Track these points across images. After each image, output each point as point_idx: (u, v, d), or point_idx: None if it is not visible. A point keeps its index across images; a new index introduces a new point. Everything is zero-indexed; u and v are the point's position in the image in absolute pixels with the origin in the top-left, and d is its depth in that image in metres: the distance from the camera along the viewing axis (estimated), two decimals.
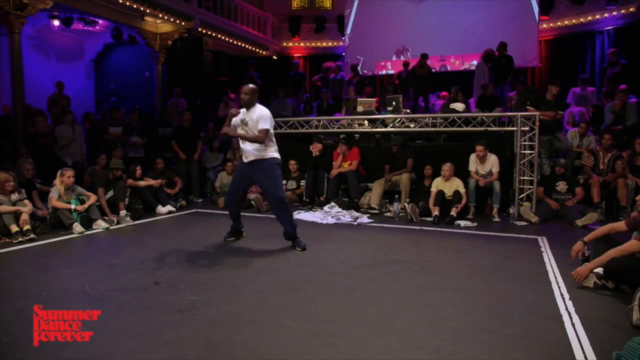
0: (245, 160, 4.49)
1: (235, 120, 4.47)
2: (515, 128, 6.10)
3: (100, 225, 5.32)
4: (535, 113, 6.10)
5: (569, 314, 2.76)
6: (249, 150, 4.40)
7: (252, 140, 4.33)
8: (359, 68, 12.67)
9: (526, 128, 6.04)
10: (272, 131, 4.44)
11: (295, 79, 11.82)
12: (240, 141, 4.50)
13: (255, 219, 6.19)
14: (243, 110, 4.48)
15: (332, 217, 6.03)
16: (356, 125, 7.20)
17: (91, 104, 12.84)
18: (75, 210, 5.22)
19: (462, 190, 5.96)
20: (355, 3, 13.16)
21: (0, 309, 2.79)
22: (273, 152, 4.43)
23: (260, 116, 4.33)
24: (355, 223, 5.79)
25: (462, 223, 5.63)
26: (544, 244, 4.62)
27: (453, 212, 5.76)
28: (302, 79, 11.93)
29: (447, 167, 6.06)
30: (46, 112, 8.75)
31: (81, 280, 3.35)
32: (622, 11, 10.53)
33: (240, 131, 4.40)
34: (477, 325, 2.60)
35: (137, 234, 5.29)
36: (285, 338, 2.44)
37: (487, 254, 4.28)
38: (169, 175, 7.12)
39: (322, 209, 6.50)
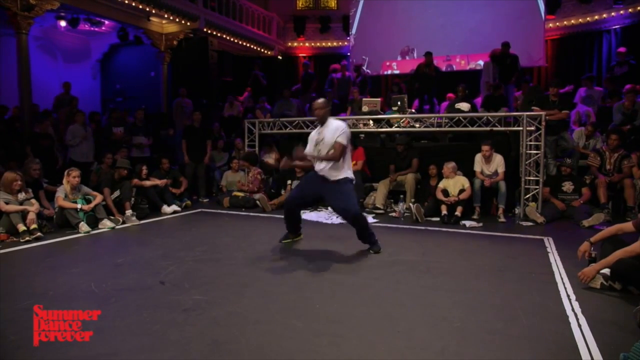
0: (318, 172, 4.20)
1: (310, 142, 4.23)
2: (521, 128, 6.07)
3: (106, 224, 5.35)
4: (541, 113, 6.08)
5: (576, 315, 2.74)
6: (322, 170, 4.14)
7: (327, 159, 4.06)
8: (364, 68, 12.65)
9: (532, 128, 6.02)
10: (348, 149, 4.12)
11: (305, 80, 11.82)
12: (315, 162, 4.20)
13: (261, 219, 6.20)
14: (315, 132, 4.26)
15: (337, 217, 6.02)
16: (361, 125, 7.19)
17: (97, 104, 12.94)
18: (81, 209, 5.26)
19: (466, 185, 5.93)
20: (361, 3, 13.15)
21: (7, 307, 2.82)
22: (346, 173, 4.12)
23: (336, 129, 4.04)
24: None
25: (468, 223, 5.62)
26: (550, 244, 4.59)
27: (458, 212, 5.75)
28: (312, 79, 11.93)
29: (446, 167, 6.06)
30: (53, 113, 8.82)
31: (87, 280, 3.37)
32: (630, 10, 10.46)
33: (313, 153, 4.15)
34: (483, 326, 2.59)
35: (142, 234, 5.32)
36: (291, 338, 2.44)
37: (492, 254, 4.26)
38: (174, 175, 7.16)
39: (327, 208, 6.50)
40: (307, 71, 12.10)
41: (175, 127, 9.60)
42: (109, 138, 7.94)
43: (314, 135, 4.28)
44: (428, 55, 9.58)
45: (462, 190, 5.89)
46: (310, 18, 14.46)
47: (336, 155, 4.01)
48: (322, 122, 4.19)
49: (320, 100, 4.26)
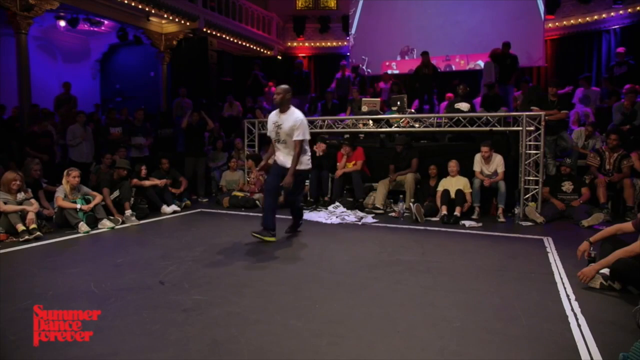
0: (279, 163, 4.61)
1: (269, 123, 4.57)
2: (520, 128, 6.08)
3: (106, 224, 5.35)
4: (540, 113, 6.08)
5: (575, 315, 2.74)
6: (282, 160, 4.55)
7: (294, 160, 4.37)
8: (363, 67, 12.63)
9: (531, 128, 6.02)
10: (306, 139, 4.46)
11: (300, 79, 11.77)
12: (277, 149, 4.62)
13: (260, 218, 6.18)
14: (274, 112, 4.52)
15: (337, 217, 6.02)
16: (361, 125, 7.19)
17: (97, 104, 12.92)
18: (81, 209, 5.26)
19: (467, 190, 5.94)
20: (360, 3, 13.15)
21: (7, 307, 2.81)
22: (302, 165, 4.47)
23: (294, 124, 4.33)
24: (359, 223, 5.79)
25: (467, 223, 5.62)
26: (549, 244, 4.59)
27: (457, 212, 5.75)
28: (307, 78, 11.87)
29: (452, 164, 6.14)
30: (54, 113, 8.82)
31: (87, 280, 3.37)
32: (629, 10, 10.48)
33: (275, 140, 4.56)
34: (482, 326, 2.59)
35: (142, 234, 5.31)
36: (290, 338, 2.44)
37: (492, 254, 4.26)
38: (174, 175, 7.15)
39: (326, 208, 6.50)
40: (301, 70, 11.95)
41: (175, 127, 9.60)
42: (106, 138, 7.94)
43: (274, 117, 4.54)
44: (425, 55, 9.57)
45: (462, 192, 5.91)
46: (310, 18, 14.46)
47: (298, 152, 4.35)
48: (282, 108, 4.42)
49: (283, 85, 4.50)
